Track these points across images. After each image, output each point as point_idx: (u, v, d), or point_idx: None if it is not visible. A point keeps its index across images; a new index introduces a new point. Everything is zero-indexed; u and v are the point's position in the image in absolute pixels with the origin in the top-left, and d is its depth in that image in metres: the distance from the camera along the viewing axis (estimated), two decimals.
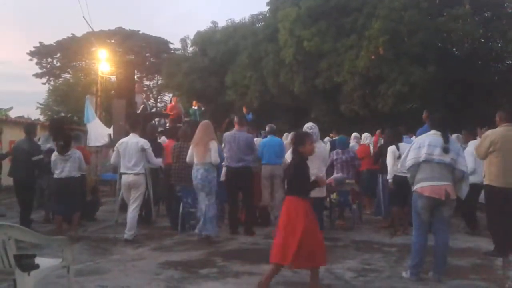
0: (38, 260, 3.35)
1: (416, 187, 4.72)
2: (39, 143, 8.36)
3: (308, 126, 6.34)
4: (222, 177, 7.67)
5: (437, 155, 4.58)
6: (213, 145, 6.61)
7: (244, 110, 16.71)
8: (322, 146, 6.38)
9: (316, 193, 6.10)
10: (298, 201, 4.23)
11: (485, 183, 6.07)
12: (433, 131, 4.80)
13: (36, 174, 7.71)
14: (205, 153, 6.57)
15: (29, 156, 7.40)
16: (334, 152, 8.27)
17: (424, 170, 4.65)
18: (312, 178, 5.99)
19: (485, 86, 18.72)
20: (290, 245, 4.07)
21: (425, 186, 4.62)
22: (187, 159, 6.87)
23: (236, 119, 7.85)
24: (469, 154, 6.76)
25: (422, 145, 4.70)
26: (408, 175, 4.93)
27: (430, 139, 4.71)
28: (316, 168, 6.09)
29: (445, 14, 18.69)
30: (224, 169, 7.78)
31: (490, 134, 6.06)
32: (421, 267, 4.76)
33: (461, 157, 4.65)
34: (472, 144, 7.20)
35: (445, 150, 4.57)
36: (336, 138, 10.00)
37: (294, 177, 4.33)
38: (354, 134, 10.58)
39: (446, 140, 4.63)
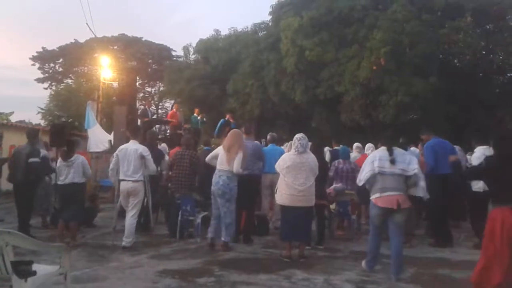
0: (35, 266, 3.34)
1: (372, 197, 5.35)
2: None
3: (298, 137, 6.30)
4: None
5: (387, 167, 5.26)
6: (239, 155, 6.59)
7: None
8: (311, 157, 6.31)
9: (303, 202, 6.12)
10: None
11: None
12: (382, 147, 5.51)
13: (33, 178, 7.63)
14: (232, 161, 6.56)
15: (27, 160, 7.32)
16: (336, 162, 8.21)
17: (379, 181, 5.30)
18: (298, 188, 6.03)
19: (486, 98, 18.75)
20: None
21: (379, 197, 5.24)
22: (207, 159, 6.76)
23: (243, 128, 7.82)
24: (476, 159, 6.93)
25: (374, 159, 5.38)
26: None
27: (380, 154, 5.42)
28: (304, 178, 6.09)
29: (446, 26, 18.76)
30: None
31: None
32: (374, 262, 5.56)
33: (412, 164, 5.26)
34: (479, 150, 7.14)
35: (392, 162, 5.25)
36: (337, 147, 9.91)
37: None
38: (356, 144, 10.33)
39: (391, 153, 5.31)
